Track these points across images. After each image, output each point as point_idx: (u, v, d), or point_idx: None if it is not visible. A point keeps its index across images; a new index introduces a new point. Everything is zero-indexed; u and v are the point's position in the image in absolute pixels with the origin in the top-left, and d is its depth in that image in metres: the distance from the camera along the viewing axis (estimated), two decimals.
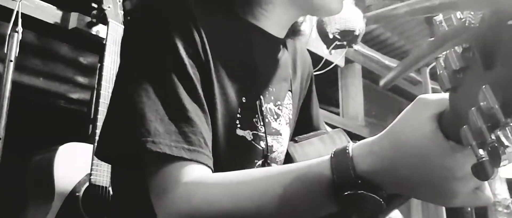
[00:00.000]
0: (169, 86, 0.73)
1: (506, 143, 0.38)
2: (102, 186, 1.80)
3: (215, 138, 0.78)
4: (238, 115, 0.83)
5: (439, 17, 0.49)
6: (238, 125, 0.83)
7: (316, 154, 0.95)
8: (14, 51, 1.82)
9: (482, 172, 0.42)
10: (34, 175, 1.83)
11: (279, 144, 0.92)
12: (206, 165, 0.71)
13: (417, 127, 0.53)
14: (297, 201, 0.61)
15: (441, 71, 0.46)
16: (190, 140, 0.70)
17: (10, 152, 1.76)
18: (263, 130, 0.87)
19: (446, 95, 0.51)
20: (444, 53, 0.45)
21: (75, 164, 1.80)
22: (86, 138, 1.92)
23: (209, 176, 0.70)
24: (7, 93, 1.77)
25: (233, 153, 0.82)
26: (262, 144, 0.86)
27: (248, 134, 0.84)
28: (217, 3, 0.87)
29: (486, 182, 0.54)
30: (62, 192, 1.72)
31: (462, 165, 0.50)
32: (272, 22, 0.92)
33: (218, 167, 0.74)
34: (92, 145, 1.81)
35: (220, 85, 0.81)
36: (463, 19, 0.43)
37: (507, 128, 0.38)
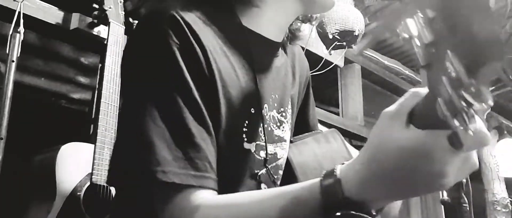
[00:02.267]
0: (174, 111, 0.74)
1: (471, 102, 0.40)
2: (103, 186, 1.81)
3: (223, 154, 0.79)
4: (244, 129, 0.84)
5: None
6: (245, 139, 0.84)
7: (311, 153, 0.96)
8: (16, 52, 1.82)
9: (457, 141, 0.45)
10: (35, 174, 1.84)
11: (284, 151, 0.93)
12: (212, 188, 0.74)
13: (390, 135, 0.56)
14: None
15: (417, 50, 0.48)
16: (197, 166, 0.72)
17: (11, 152, 1.77)
18: (264, 140, 0.87)
19: (405, 97, 0.56)
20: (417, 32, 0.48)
21: (76, 164, 1.80)
22: (87, 138, 1.93)
23: (212, 199, 0.72)
24: (9, 93, 1.78)
25: (240, 166, 0.84)
26: (262, 153, 0.87)
27: (253, 146, 0.85)
28: (217, 12, 0.86)
29: (469, 158, 0.55)
30: (63, 192, 1.73)
31: (442, 147, 0.52)
32: (269, 25, 0.92)
33: (228, 182, 0.76)
34: (93, 145, 1.82)
35: (227, 100, 0.81)
36: None
37: (472, 88, 0.40)
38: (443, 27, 0.41)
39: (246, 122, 0.84)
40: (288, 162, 0.94)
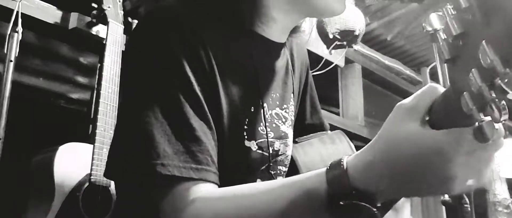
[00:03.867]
0: (175, 105, 0.74)
1: (507, 89, 0.40)
2: (102, 186, 1.80)
3: (223, 151, 0.79)
4: (245, 127, 0.84)
5: None
6: (245, 137, 0.84)
7: (316, 154, 0.96)
8: (14, 51, 1.82)
9: (482, 134, 0.44)
10: (34, 175, 1.83)
11: (288, 147, 0.94)
12: (213, 182, 0.73)
13: (406, 131, 0.55)
14: (297, 212, 0.64)
15: (441, 43, 0.48)
16: (198, 159, 0.72)
17: (10, 152, 1.76)
18: (272, 136, 0.88)
19: (422, 91, 0.56)
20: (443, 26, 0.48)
21: (75, 164, 1.80)
22: (86, 138, 1.93)
23: (215, 191, 0.72)
24: (7, 93, 1.77)
25: (241, 163, 0.84)
26: (266, 151, 0.87)
27: (253, 144, 0.85)
28: (218, 14, 0.87)
29: (489, 161, 0.54)
30: (62, 192, 1.73)
31: (459, 149, 0.51)
32: (273, 29, 0.92)
33: (226, 178, 0.76)
34: (92, 145, 1.81)
35: (228, 97, 0.82)
36: None
37: (506, 79, 0.40)
38: (478, 17, 0.41)
39: (247, 120, 0.85)
40: (293, 162, 0.94)
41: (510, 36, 0.38)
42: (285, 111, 0.95)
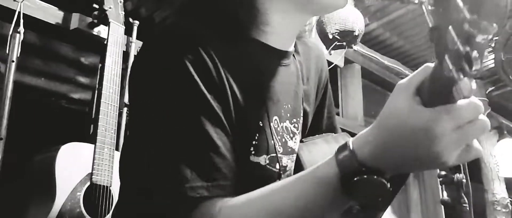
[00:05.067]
0: (196, 124, 0.74)
1: (477, 33, 0.44)
2: (103, 186, 1.81)
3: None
4: (254, 142, 0.84)
5: None
6: (252, 152, 0.84)
7: (321, 153, 0.96)
8: (16, 52, 1.83)
9: (458, 92, 0.49)
10: (35, 175, 1.83)
11: (293, 163, 0.94)
12: (232, 194, 0.75)
13: (398, 108, 0.59)
14: (313, 202, 0.66)
15: (427, 16, 0.51)
16: (225, 176, 0.74)
17: (11, 152, 1.77)
18: (281, 151, 0.88)
19: (417, 70, 0.60)
20: None
21: (76, 164, 1.80)
22: (87, 137, 1.93)
23: (232, 200, 0.73)
24: (9, 93, 1.78)
25: (247, 179, 0.83)
26: (277, 165, 0.87)
27: (263, 159, 0.85)
28: (225, 26, 0.85)
29: (475, 135, 0.59)
30: (63, 192, 1.73)
31: (442, 126, 0.55)
32: (279, 36, 0.90)
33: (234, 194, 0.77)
34: (93, 145, 1.82)
35: (238, 113, 0.81)
36: None
37: (476, 28, 0.44)
38: None
39: (257, 135, 0.84)
40: (298, 160, 0.95)
41: None
42: (294, 126, 0.94)
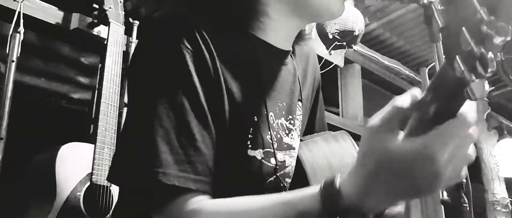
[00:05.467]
0: (180, 113, 0.75)
1: (495, 35, 0.44)
2: (104, 186, 1.81)
3: (226, 160, 0.80)
4: (249, 136, 0.84)
5: None
6: (249, 146, 0.84)
7: (320, 151, 0.97)
8: (16, 52, 1.83)
9: (473, 93, 0.48)
10: (35, 175, 1.84)
11: (292, 159, 0.94)
12: (208, 193, 0.75)
13: (390, 154, 0.57)
14: None
15: (436, 15, 0.51)
16: (197, 170, 0.74)
17: (11, 152, 1.77)
18: (275, 146, 0.88)
19: (385, 109, 0.59)
20: None
21: (76, 164, 1.80)
22: (87, 137, 1.93)
23: (210, 204, 0.73)
24: (9, 93, 1.78)
25: (244, 173, 0.84)
26: (273, 161, 0.87)
27: (259, 153, 0.85)
28: (224, 20, 0.86)
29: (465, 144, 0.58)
30: (63, 192, 1.73)
31: (440, 150, 0.54)
32: (277, 35, 0.91)
33: (229, 187, 0.76)
34: (93, 145, 1.82)
35: (232, 107, 0.81)
36: None
37: (493, 29, 0.44)
38: None
39: (251, 129, 0.84)
40: (297, 159, 0.95)
41: None
42: (290, 123, 0.94)
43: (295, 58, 1.01)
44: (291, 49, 0.97)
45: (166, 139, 0.73)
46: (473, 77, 0.47)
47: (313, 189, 0.64)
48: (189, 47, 0.78)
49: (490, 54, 0.45)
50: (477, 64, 0.45)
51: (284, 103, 0.93)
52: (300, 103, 0.99)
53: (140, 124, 0.77)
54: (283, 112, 0.92)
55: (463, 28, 0.45)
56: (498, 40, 0.44)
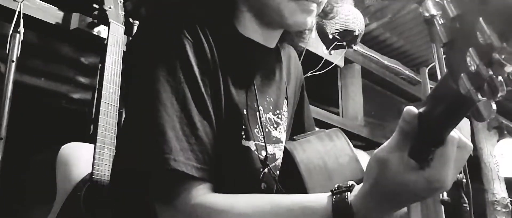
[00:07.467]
0: (183, 103, 0.77)
1: (505, 62, 0.42)
2: (104, 185, 1.81)
3: (222, 149, 0.81)
4: (243, 127, 0.86)
5: None
6: (243, 136, 0.86)
7: (315, 151, 0.97)
8: (15, 52, 1.83)
9: (479, 114, 0.48)
10: (35, 175, 1.84)
11: (281, 152, 0.96)
12: (210, 181, 0.77)
13: (403, 182, 0.62)
14: None
15: (439, 29, 0.50)
16: (198, 158, 0.75)
17: (11, 152, 1.77)
18: (264, 140, 0.90)
19: (394, 138, 0.61)
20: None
21: (76, 164, 1.80)
22: (88, 137, 1.93)
23: (217, 202, 0.74)
24: (9, 93, 1.78)
25: (239, 163, 0.86)
26: (263, 153, 0.89)
27: (252, 145, 0.87)
28: (216, 20, 0.89)
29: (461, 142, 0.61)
30: (63, 192, 1.73)
31: (442, 171, 0.59)
32: (262, 33, 0.95)
33: (225, 176, 0.79)
34: (93, 145, 1.82)
35: (227, 97, 0.84)
36: None
37: (503, 55, 0.42)
38: None
39: (243, 121, 0.87)
40: (291, 160, 0.96)
41: (505, 11, 0.40)
42: (278, 117, 0.97)
43: (281, 57, 1.05)
44: (276, 48, 1.01)
45: (172, 126, 0.74)
46: (480, 97, 0.46)
47: (321, 200, 0.68)
48: (191, 39, 0.80)
49: (500, 78, 0.43)
50: (485, 86, 0.44)
51: (272, 98, 0.96)
52: (286, 100, 1.02)
53: (146, 112, 0.78)
54: (271, 107, 0.95)
55: (470, 49, 0.44)
56: (510, 69, 0.42)
